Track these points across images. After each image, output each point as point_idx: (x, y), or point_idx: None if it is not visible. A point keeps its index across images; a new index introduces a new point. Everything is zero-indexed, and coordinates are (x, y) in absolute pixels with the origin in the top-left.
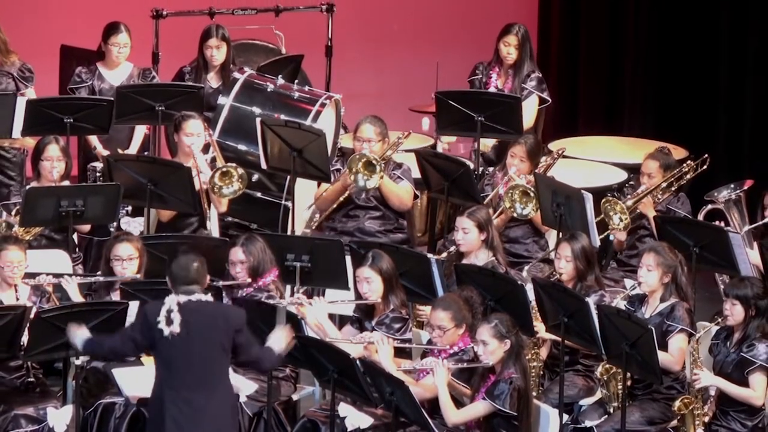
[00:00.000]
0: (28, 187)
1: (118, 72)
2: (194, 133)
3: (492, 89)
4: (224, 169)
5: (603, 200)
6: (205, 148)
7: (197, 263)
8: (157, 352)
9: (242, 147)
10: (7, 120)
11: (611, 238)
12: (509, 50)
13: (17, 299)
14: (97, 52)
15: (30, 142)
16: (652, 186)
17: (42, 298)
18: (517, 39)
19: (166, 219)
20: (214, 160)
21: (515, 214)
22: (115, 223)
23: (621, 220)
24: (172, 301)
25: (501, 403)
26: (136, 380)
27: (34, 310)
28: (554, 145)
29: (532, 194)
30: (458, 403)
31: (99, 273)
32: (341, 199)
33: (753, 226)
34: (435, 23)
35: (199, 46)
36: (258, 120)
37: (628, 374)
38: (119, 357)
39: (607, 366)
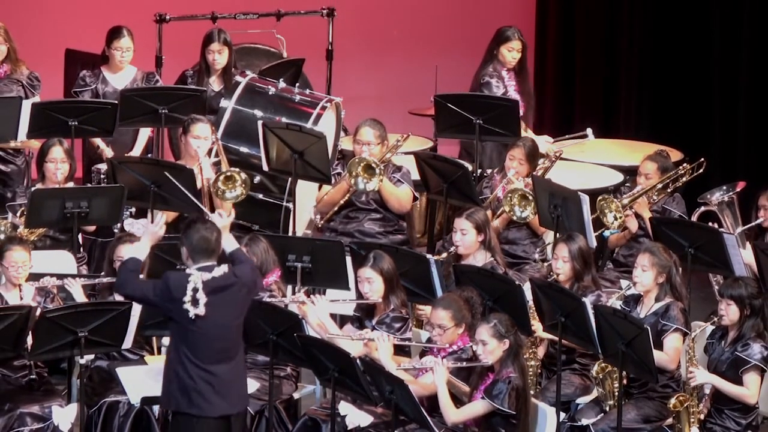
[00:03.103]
0: (33, 188)
1: (122, 76)
2: (202, 136)
3: (513, 94)
4: (228, 174)
5: (599, 198)
6: (208, 152)
7: (215, 232)
8: (179, 328)
9: (244, 149)
10: (13, 123)
11: (605, 235)
12: (513, 55)
13: (21, 299)
14: (101, 56)
15: (35, 144)
16: (648, 186)
17: (46, 298)
18: (521, 43)
19: (169, 220)
20: (218, 164)
21: (515, 218)
22: (118, 224)
23: (615, 219)
24: (196, 278)
25: (500, 403)
26: (141, 379)
27: (38, 310)
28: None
29: (530, 198)
30: (457, 401)
31: (103, 273)
32: (342, 201)
33: (746, 227)
34: (434, 28)
35: (201, 50)
36: (260, 123)
37: (624, 373)
38: (129, 296)
39: (603, 365)
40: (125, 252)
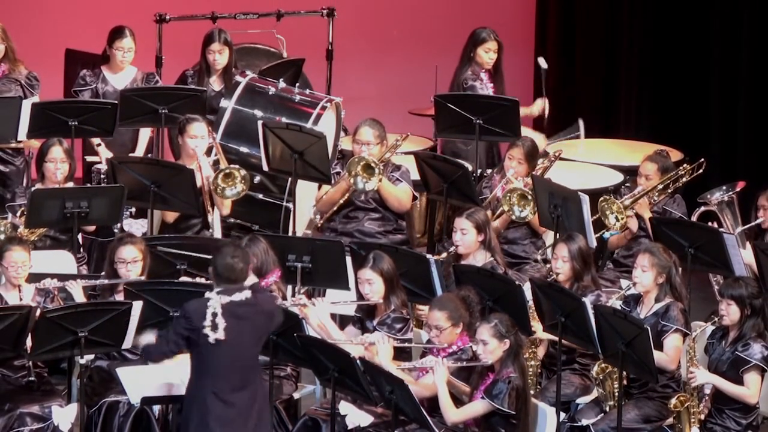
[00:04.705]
0: (33, 188)
1: (122, 76)
2: (198, 135)
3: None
4: (227, 171)
5: (600, 199)
6: (208, 151)
7: (243, 262)
8: (199, 355)
9: (244, 149)
10: (13, 123)
11: (605, 237)
12: (490, 56)
13: (21, 299)
14: (101, 56)
15: (35, 144)
16: (649, 187)
17: (46, 298)
18: (497, 43)
19: (170, 220)
20: (216, 162)
21: (513, 217)
22: (118, 224)
23: (617, 220)
24: (215, 303)
25: (500, 403)
26: (141, 379)
27: (38, 310)
28: (551, 148)
29: (529, 197)
30: (457, 401)
31: (103, 274)
32: (342, 201)
33: (746, 227)
34: (434, 27)
35: (201, 50)
36: (260, 123)
37: (624, 373)
38: (160, 360)
39: (603, 365)
40: (126, 254)
